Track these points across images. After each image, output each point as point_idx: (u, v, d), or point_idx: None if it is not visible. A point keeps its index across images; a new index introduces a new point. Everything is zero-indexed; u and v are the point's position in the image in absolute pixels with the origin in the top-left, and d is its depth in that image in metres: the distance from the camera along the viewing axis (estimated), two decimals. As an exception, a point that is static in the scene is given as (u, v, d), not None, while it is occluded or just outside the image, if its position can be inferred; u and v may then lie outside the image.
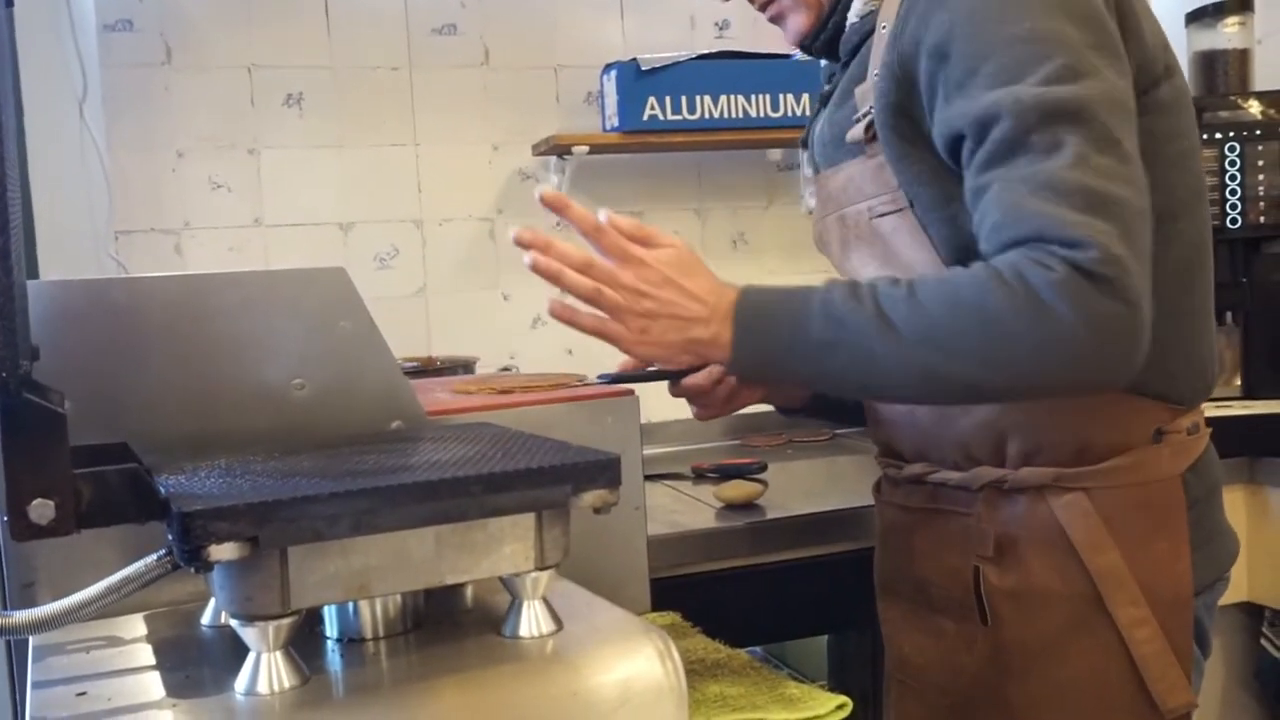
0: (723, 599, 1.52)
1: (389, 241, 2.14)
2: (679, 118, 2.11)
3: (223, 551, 0.66)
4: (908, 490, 1.17)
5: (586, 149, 2.10)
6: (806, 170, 1.29)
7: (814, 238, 1.23)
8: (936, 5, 0.98)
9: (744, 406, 1.25)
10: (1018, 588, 1.05)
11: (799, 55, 1.26)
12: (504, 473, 0.74)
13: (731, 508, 1.63)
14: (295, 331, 1.01)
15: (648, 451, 1.17)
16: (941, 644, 1.12)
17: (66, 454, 0.68)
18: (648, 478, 1.19)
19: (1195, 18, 2.09)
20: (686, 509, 1.67)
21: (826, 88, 1.21)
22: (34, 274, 1.60)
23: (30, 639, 0.85)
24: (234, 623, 0.71)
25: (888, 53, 1.03)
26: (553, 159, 2.20)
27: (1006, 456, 1.07)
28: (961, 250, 1.01)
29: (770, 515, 1.59)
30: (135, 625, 0.88)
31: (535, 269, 1.02)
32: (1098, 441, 1.04)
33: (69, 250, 1.80)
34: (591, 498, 0.77)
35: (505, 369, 1.61)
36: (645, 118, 2.10)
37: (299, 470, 0.77)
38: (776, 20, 1.22)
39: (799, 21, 1.18)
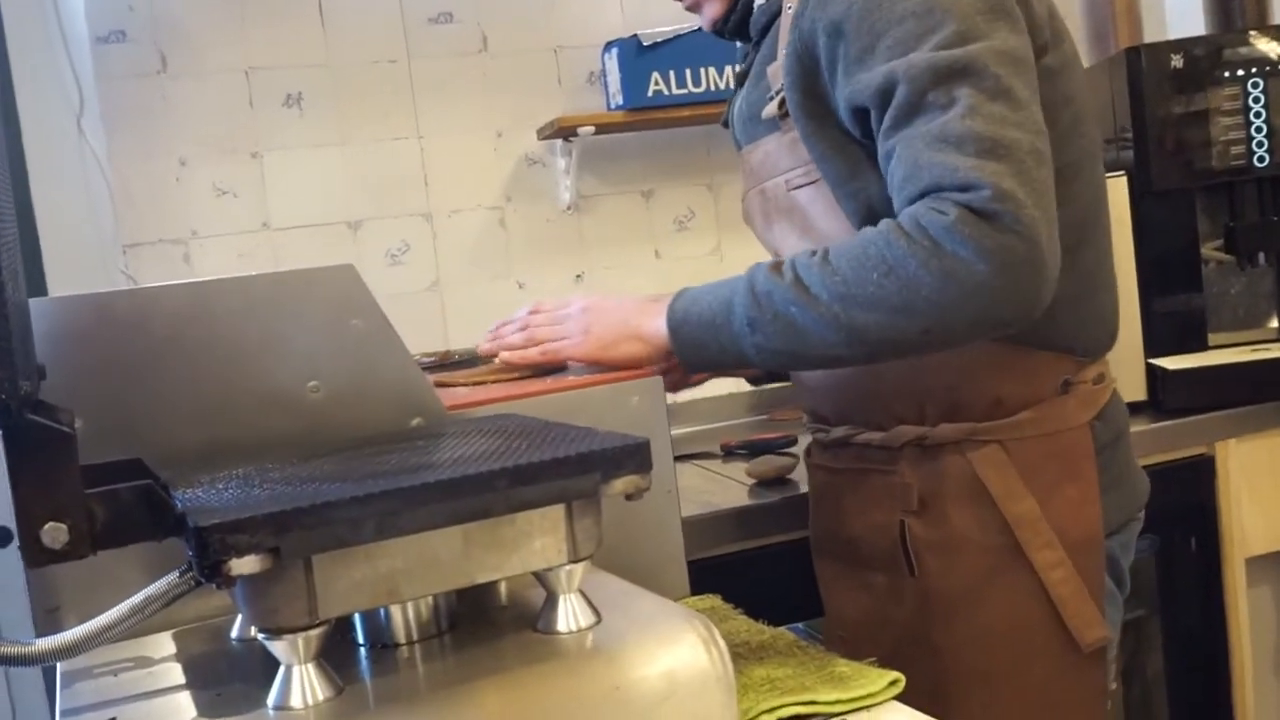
0: (761, 577, 1.49)
1: (399, 237, 2.12)
2: (684, 91, 2.07)
3: (244, 565, 0.63)
4: (834, 452, 1.22)
5: (592, 129, 2.07)
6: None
7: (742, 214, 1.28)
8: None
9: (701, 383, 1.38)
10: (941, 539, 1.11)
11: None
12: (530, 464, 0.71)
13: (764, 484, 1.61)
14: (306, 333, 0.98)
15: (674, 432, 1.15)
16: (873, 598, 1.18)
17: (76, 475, 0.66)
18: (677, 459, 1.16)
19: (1209, -46, 2.03)
20: (718, 488, 1.64)
21: (740, 67, 1.26)
22: (42, 293, 1.58)
23: (58, 665, 0.83)
24: (261, 637, 0.68)
25: (790, 32, 1.06)
26: (559, 142, 2.16)
27: (925, 415, 1.13)
28: (870, 222, 1.03)
29: (804, 489, 1.55)
30: (164, 644, 0.86)
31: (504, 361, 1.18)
32: (1009, 395, 1.10)
33: (77, 267, 1.79)
34: (622, 484, 0.74)
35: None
36: (650, 94, 2.07)
37: (318, 475, 0.75)
38: (693, 9, 1.28)
39: (713, 9, 1.24)
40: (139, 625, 0.70)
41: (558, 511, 0.73)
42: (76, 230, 1.81)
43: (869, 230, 0.98)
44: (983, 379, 1.11)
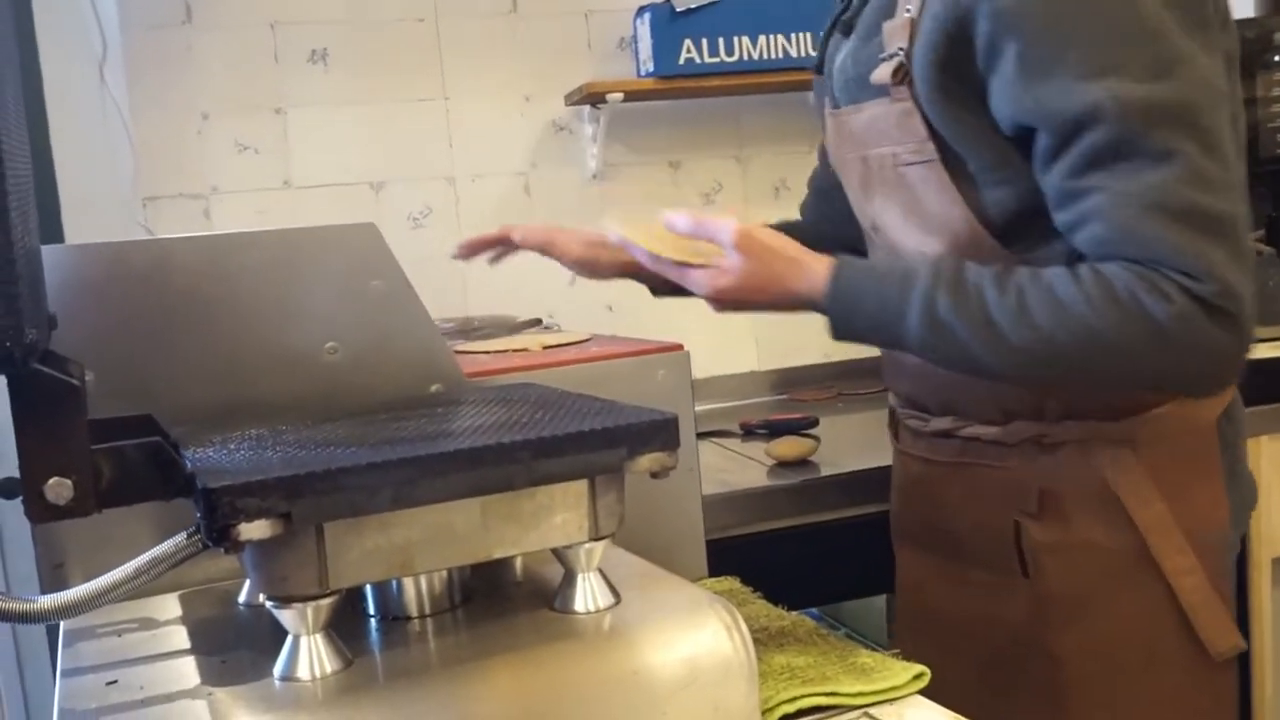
0: (778, 560, 1.46)
1: (421, 200, 2.08)
2: (716, 60, 2.02)
3: (254, 530, 0.61)
4: (932, 442, 1.15)
5: (621, 96, 2.03)
6: (819, 102, 1.23)
7: (830, 166, 1.20)
8: None
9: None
10: (1061, 541, 1.04)
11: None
12: (553, 437, 0.68)
13: (784, 465, 1.58)
14: (326, 293, 0.95)
15: (694, 409, 1.12)
16: (971, 594, 1.12)
17: (84, 429, 0.63)
18: (696, 436, 1.13)
19: (1262, -65, 1.97)
20: (737, 468, 1.61)
21: (846, 14, 1.14)
22: (58, 242, 1.56)
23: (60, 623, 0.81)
24: (270, 605, 0.66)
25: (940, 4, 0.96)
26: (586, 108, 2.12)
27: (1045, 411, 1.05)
28: (1014, 216, 0.99)
29: (825, 472, 1.53)
30: (170, 606, 0.84)
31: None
32: (1135, 393, 1.03)
33: (95, 218, 1.76)
34: (648, 461, 0.71)
35: (546, 326, 1.55)
36: (681, 61, 2.02)
37: (334, 439, 0.72)
38: None
39: None
40: (145, 586, 0.68)
41: (580, 487, 0.70)
42: (95, 180, 1.78)
43: (1069, 282, 0.91)
44: None
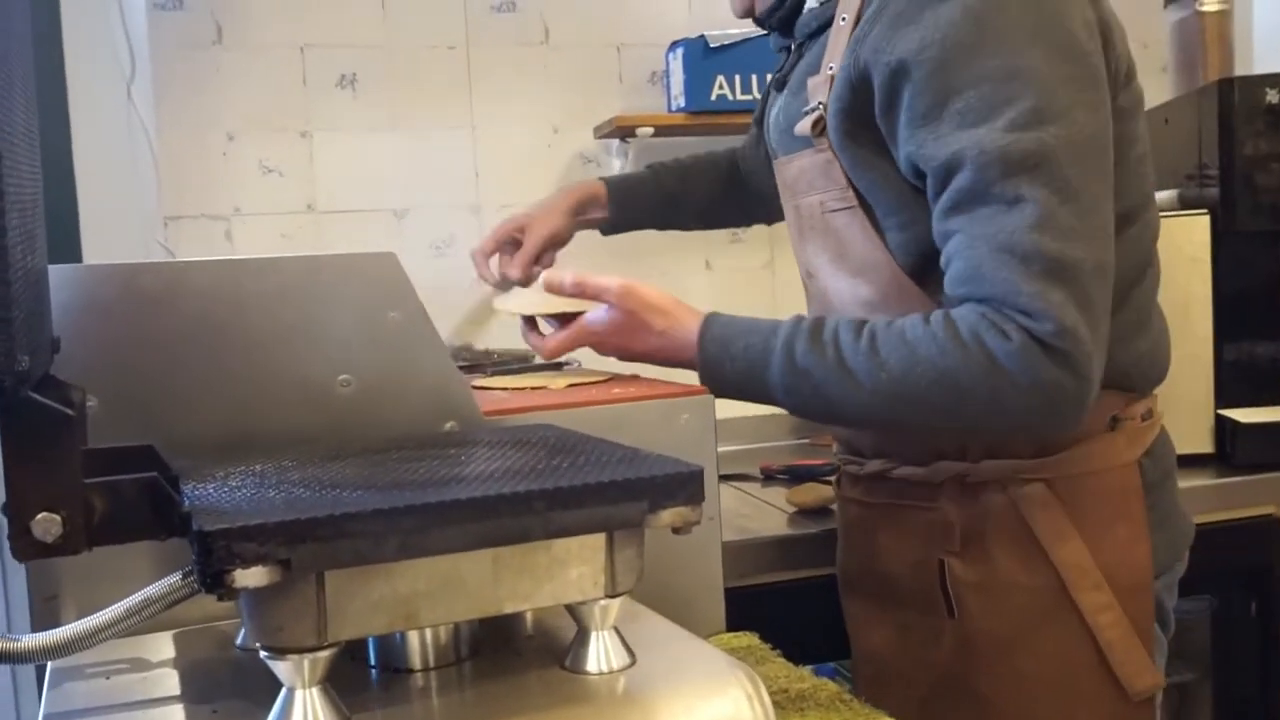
0: (797, 611, 1.41)
1: (445, 228, 2.06)
2: (749, 97, 2.00)
3: (249, 577, 0.57)
4: (868, 486, 1.17)
5: (651, 131, 2.00)
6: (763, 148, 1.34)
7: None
8: (907, 19, 0.97)
9: None
10: (983, 580, 1.07)
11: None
12: (571, 487, 0.64)
13: (804, 513, 1.53)
14: (341, 322, 0.92)
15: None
16: (908, 637, 1.13)
17: (77, 461, 0.60)
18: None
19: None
20: (756, 513, 1.57)
21: (781, 72, 1.21)
22: (76, 260, 1.54)
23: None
24: (264, 655, 0.62)
25: (847, 55, 1.02)
26: (615, 142, 2.10)
27: (968, 451, 1.08)
28: (919, 257, 1.03)
29: (847, 521, 1.48)
30: (164, 646, 0.80)
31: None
32: (1041, 433, 1.06)
33: (116, 237, 1.74)
34: (670, 516, 0.67)
35: (567, 363, 1.51)
36: (713, 97, 2.00)
37: (340, 480, 0.68)
38: None
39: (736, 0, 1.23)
40: (137, 626, 0.64)
41: (598, 540, 0.66)
42: (118, 199, 1.76)
43: (919, 325, 0.96)
44: None
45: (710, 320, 1.07)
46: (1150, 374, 1.12)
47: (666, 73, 2.11)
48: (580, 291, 1.10)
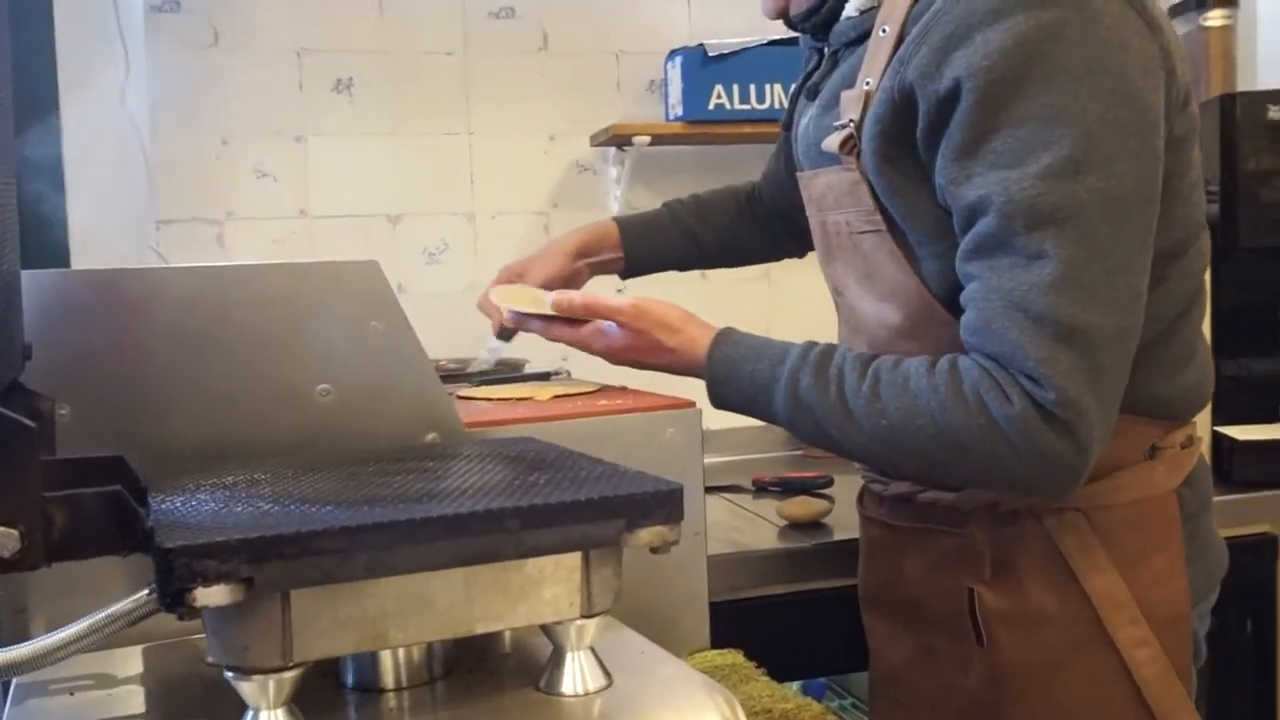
0: (785, 626, 1.40)
1: (439, 235, 2.05)
2: (747, 107, 1.98)
3: (211, 595, 0.56)
4: (893, 507, 1.14)
5: (648, 139, 1.99)
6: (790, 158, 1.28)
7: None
8: (956, 44, 0.91)
9: None
10: (1014, 610, 1.03)
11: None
12: (546, 505, 0.63)
13: (795, 526, 1.51)
14: (322, 331, 0.91)
15: (705, 461, 1.07)
16: (933, 661, 1.10)
17: (37, 474, 0.58)
18: (705, 490, 1.08)
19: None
20: (747, 526, 1.55)
21: (812, 79, 1.17)
22: (64, 264, 1.53)
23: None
24: (228, 675, 0.60)
25: (890, 75, 0.97)
26: (612, 150, 2.09)
27: None
28: (954, 289, 0.98)
29: (838, 535, 1.46)
30: (131, 661, 0.79)
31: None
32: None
33: (106, 241, 1.73)
34: (649, 535, 0.66)
35: (556, 372, 1.50)
36: (711, 107, 1.98)
37: (311, 495, 0.67)
38: None
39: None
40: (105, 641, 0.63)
41: (574, 560, 0.65)
42: (110, 202, 1.75)
43: (924, 374, 0.94)
44: None
45: (720, 339, 1.05)
46: (1195, 402, 1.08)
47: (665, 81, 2.10)
48: (591, 312, 1.09)
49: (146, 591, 0.62)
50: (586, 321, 1.09)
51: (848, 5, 1.08)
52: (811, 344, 1.02)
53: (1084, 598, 1.01)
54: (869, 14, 1.04)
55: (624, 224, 1.45)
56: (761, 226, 1.45)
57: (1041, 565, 1.02)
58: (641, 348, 1.07)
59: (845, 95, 1.03)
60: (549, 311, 1.10)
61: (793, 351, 1.00)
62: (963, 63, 0.90)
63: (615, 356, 1.09)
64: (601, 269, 1.43)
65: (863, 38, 1.05)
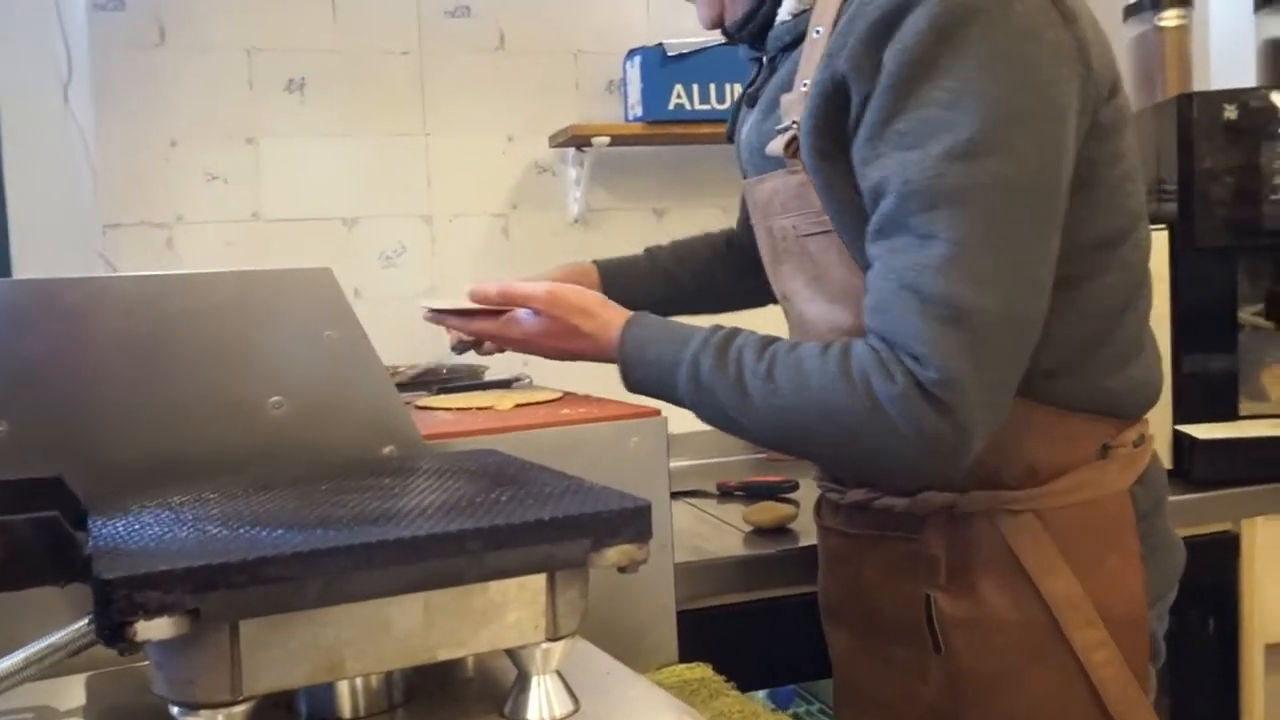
0: (753, 634, 1.38)
1: (396, 238, 2.01)
2: (707, 107, 1.97)
3: (153, 629, 0.53)
4: (849, 515, 1.13)
5: (607, 140, 1.96)
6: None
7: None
8: (882, 30, 0.92)
9: None
10: (970, 615, 1.03)
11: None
12: (508, 525, 0.60)
13: (761, 532, 1.50)
14: (274, 341, 0.87)
15: (670, 465, 1.05)
16: (893, 671, 1.09)
17: (-35, 501, 0.55)
18: (671, 496, 1.06)
19: (1265, 2, 1.94)
20: (712, 533, 1.53)
21: (753, 87, 1.16)
22: (5, 271, 1.48)
23: (-52, 707, 0.72)
24: (175, 710, 0.57)
25: (821, 70, 0.97)
26: (571, 151, 2.06)
27: (955, 480, 1.03)
28: None
29: (805, 541, 1.45)
30: (74, 691, 0.75)
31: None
32: (1044, 461, 1.02)
33: (51, 246, 1.68)
34: (616, 554, 0.64)
35: (518, 379, 1.47)
36: (671, 107, 1.96)
37: (261, 516, 0.64)
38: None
39: (705, 9, 1.17)
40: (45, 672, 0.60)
41: (538, 582, 0.63)
42: (53, 206, 1.70)
43: (817, 356, 0.94)
44: (1015, 444, 1.01)
45: (632, 322, 1.05)
46: (1143, 399, 1.08)
47: (624, 81, 2.07)
48: (507, 300, 1.09)
49: (86, 621, 0.59)
50: (505, 312, 1.10)
51: (780, 10, 1.08)
52: (717, 327, 1.02)
53: (1040, 601, 1.00)
54: (802, 17, 1.05)
55: (603, 265, 1.44)
56: (740, 272, 1.42)
57: (996, 569, 1.02)
58: (557, 333, 1.07)
59: (785, 98, 1.03)
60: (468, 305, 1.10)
61: (698, 335, 1.01)
62: (889, 50, 0.91)
63: (533, 344, 1.10)
64: None
65: (798, 41, 1.05)
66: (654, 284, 1.44)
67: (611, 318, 1.06)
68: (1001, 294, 0.89)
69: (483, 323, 1.11)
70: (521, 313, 1.09)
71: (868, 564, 1.10)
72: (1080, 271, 0.97)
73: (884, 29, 0.92)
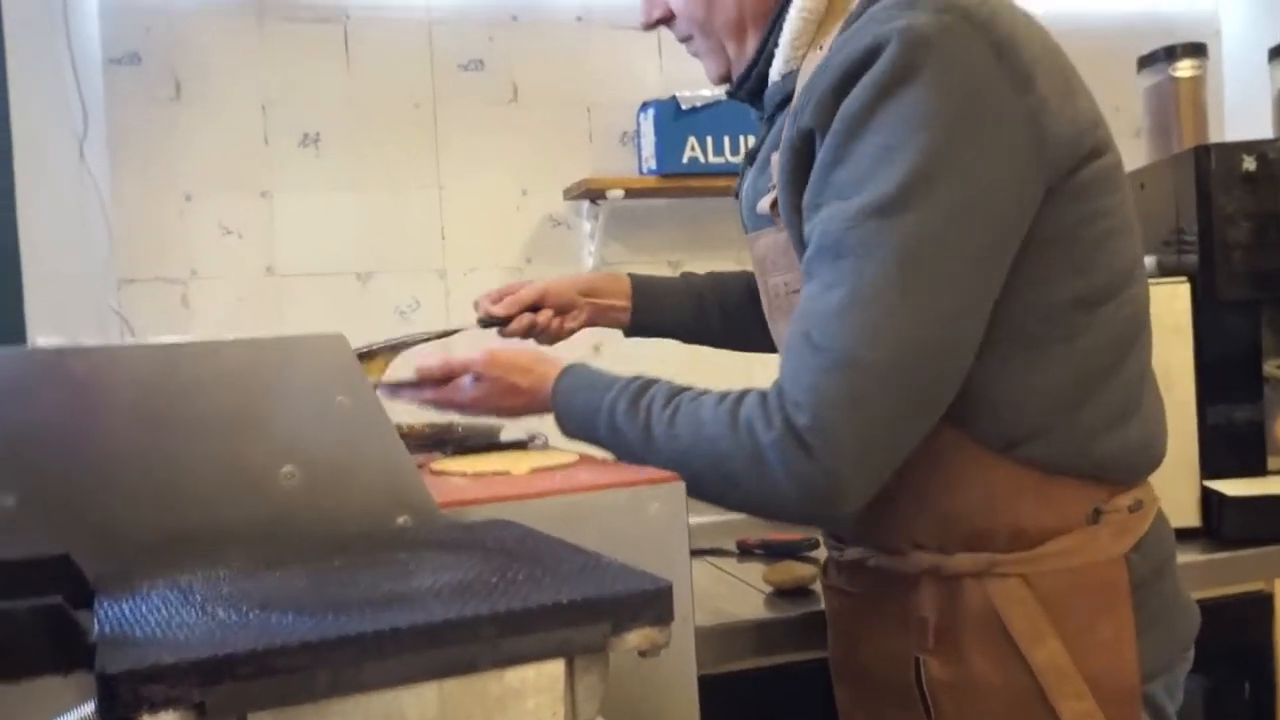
0: (775, 700, 1.35)
1: (410, 293, 2.01)
2: (721, 160, 1.97)
3: (158, 724, 0.50)
4: (850, 574, 1.13)
5: (621, 193, 1.97)
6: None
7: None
8: (840, 88, 0.93)
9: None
10: (958, 680, 1.01)
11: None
12: (526, 610, 0.58)
13: (781, 593, 1.47)
14: (285, 409, 0.86)
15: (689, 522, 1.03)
16: None
17: (-36, 588, 0.53)
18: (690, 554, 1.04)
19: (1276, 54, 1.93)
20: (731, 594, 1.50)
21: (755, 145, 1.18)
22: (20, 331, 1.47)
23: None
24: (177, 807, 0.55)
25: (790, 127, 0.98)
26: (585, 203, 2.06)
27: (945, 542, 1.03)
28: None
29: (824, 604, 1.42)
30: (77, 775, 0.72)
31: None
32: (1032, 524, 1.00)
33: (66, 302, 1.67)
34: (636, 638, 0.61)
35: (533, 438, 1.45)
36: (685, 159, 1.96)
37: (272, 597, 0.62)
38: (697, 57, 1.21)
39: (710, 66, 1.18)
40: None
41: (556, 668, 0.60)
42: (68, 262, 1.69)
43: (713, 404, 0.98)
44: (1003, 505, 1.00)
45: (564, 373, 1.12)
46: (1139, 463, 1.05)
47: (637, 133, 2.08)
48: (448, 370, 1.19)
49: (91, 710, 0.57)
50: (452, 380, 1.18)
51: (770, 70, 1.09)
52: (637, 377, 1.06)
53: (1027, 668, 0.98)
54: (790, 76, 1.06)
55: (637, 279, 1.47)
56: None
57: (984, 634, 1.00)
58: (499, 392, 1.15)
59: (774, 157, 1.03)
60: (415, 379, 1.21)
61: (619, 382, 1.06)
62: (842, 104, 0.93)
63: (478, 406, 1.18)
64: (605, 314, 1.45)
65: (788, 100, 1.05)
66: (682, 304, 1.47)
67: (546, 371, 1.12)
68: (889, 348, 0.89)
69: (433, 392, 1.20)
70: (465, 379, 1.17)
71: (864, 623, 1.10)
72: (1057, 331, 0.96)
73: (843, 84, 0.93)
